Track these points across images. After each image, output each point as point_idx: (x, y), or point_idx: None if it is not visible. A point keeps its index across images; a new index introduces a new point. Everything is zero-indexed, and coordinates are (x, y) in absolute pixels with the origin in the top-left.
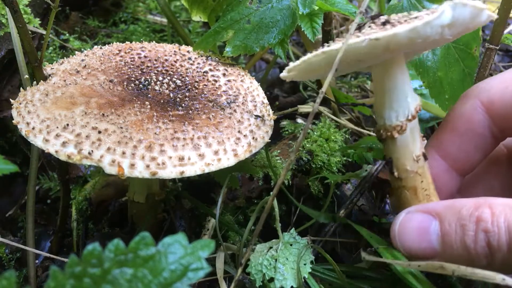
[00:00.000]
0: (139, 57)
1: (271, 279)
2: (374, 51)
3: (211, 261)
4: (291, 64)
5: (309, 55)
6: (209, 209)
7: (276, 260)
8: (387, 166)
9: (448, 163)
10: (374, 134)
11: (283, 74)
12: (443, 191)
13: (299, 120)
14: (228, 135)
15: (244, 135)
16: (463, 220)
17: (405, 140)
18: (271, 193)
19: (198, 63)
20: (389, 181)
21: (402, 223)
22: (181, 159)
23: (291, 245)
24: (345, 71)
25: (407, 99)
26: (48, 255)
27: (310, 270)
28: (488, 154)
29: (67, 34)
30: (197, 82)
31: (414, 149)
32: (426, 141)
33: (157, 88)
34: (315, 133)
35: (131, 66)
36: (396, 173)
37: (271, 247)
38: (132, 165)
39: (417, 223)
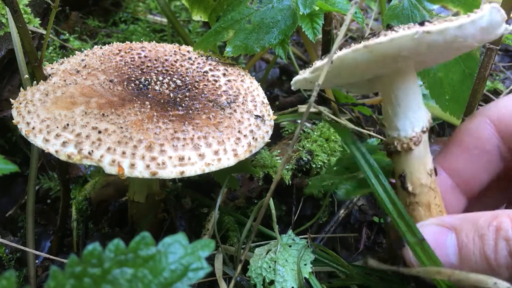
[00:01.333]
0: (139, 57)
1: (271, 282)
2: (417, 47)
3: (210, 260)
4: (318, 63)
5: (345, 50)
6: (212, 201)
7: (275, 262)
8: (399, 180)
9: (454, 180)
10: (374, 134)
11: (299, 77)
12: (448, 212)
13: (299, 120)
14: (228, 135)
15: (244, 135)
16: (481, 230)
17: (420, 153)
18: (267, 194)
19: (198, 63)
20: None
21: None
22: (181, 159)
23: (290, 246)
24: (353, 79)
25: (421, 109)
26: (47, 256)
27: (310, 270)
28: (494, 176)
29: (67, 34)
30: (197, 82)
31: (428, 162)
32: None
33: (157, 88)
34: (315, 133)
35: (131, 66)
36: (410, 188)
37: (269, 250)
38: (132, 165)
39: (432, 236)
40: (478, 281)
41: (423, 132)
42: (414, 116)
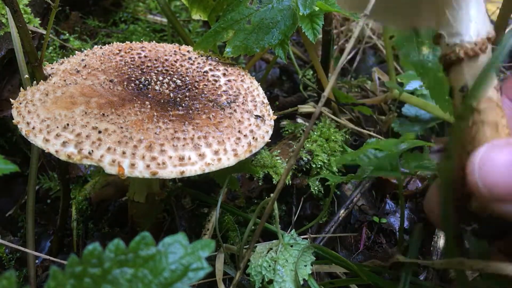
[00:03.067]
0: (139, 57)
1: (270, 281)
2: None
3: (211, 260)
4: None
5: None
6: (212, 200)
7: (275, 262)
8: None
9: None
10: (374, 134)
11: None
12: None
13: (299, 120)
14: (228, 135)
15: (244, 135)
16: None
17: (485, 63)
18: (271, 194)
19: (198, 63)
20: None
21: (484, 157)
22: (181, 159)
23: (291, 246)
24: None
25: (485, 16)
26: (47, 257)
27: (310, 272)
28: None
29: (67, 34)
30: (197, 82)
31: (493, 75)
32: None
33: (157, 88)
34: (315, 133)
35: (131, 66)
36: (475, 104)
37: (271, 249)
38: (132, 165)
39: (505, 156)
40: (498, 269)
41: (488, 39)
42: (478, 19)
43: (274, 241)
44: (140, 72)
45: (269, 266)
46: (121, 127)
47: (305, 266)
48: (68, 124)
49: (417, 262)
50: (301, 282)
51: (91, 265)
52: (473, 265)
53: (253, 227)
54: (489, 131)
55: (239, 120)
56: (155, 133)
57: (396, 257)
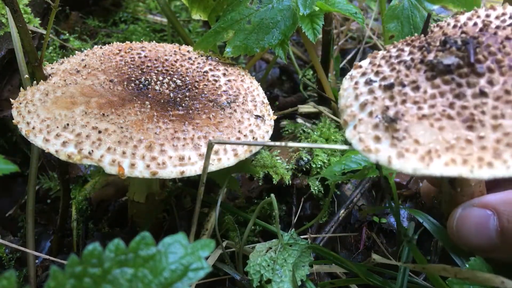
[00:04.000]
0: (139, 57)
1: (269, 281)
2: None
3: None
4: None
5: None
6: (214, 197)
7: (274, 261)
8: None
9: None
10: None
11: None
12: None
13: (299, 120)
14: (229, 135)
15: (244, 135)
16: None
17: None
18: (272, 194)
19: (198, 63)
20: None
21: (460, 218)
22: (182, 159)
23: (290, 246)
24: None
25: None
26: (47, 257)
27: (308, 273)
28: None
29: (67, 34)
30: (197, 82)
31: None
32: None
33: (157, 88)
34: (315, 133)
35: (131, 66)
36: (459, 189)
37: (270, 248)
38: (132, 165)
39: (476, 219)
40: (485, 280)
41: None
42: None
43: (273, 240)
44: (140, 72)
45: (268, 265)
46: (121, 127)
47: (303, 266)
48: (68, 124)
49: (391, 263)
50: (299, 283)
51: (91, 265)
52: (458, 273)
53: (253, 227)
54: (466, 199)
55: (239, 120)
56: (155, 133)
57: (372, 257)
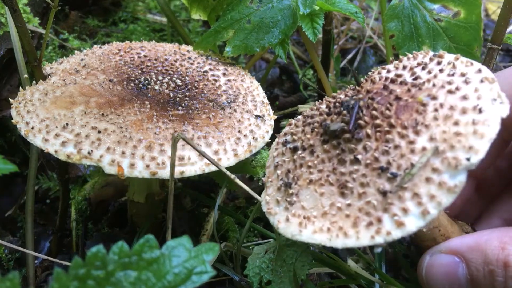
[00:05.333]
0: (139, 57)
1: (269, 282)
2: None
3: None
4: None
5: None
6: (213, 199)
7: (273, 262)
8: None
9: None
10: None
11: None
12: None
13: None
14: (228, 135)
15: (244, 135)
16: (490, 265)
17: None
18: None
19: (198, 63)
20: None
21: (428, 267)
22: (181, 159)
23: (288, 246)
24: None
25: None
26: (46, 257)
27: (308, 272)
28: (496, 157)
29: (67, 34)
30: (197, 81)
31: None
32: None
33: (157, 87)
34: None
35: (131, 66)
36: (413, 235)
37: (268, 249)
38: (131, 165)
39: (444, 268)
40: None
41: None
42: None
43: (271, 241)
44: (139, 71)
45: (267, 267)
46: (121, 127)
47: (303, 266)
48: (67, 124)
49: (366, 276)
50: (299, 283)
51: (94, 267)
52: None
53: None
54: (429, 243)
55: (239, 120)
56: (155, 133)
57: (348, 263)
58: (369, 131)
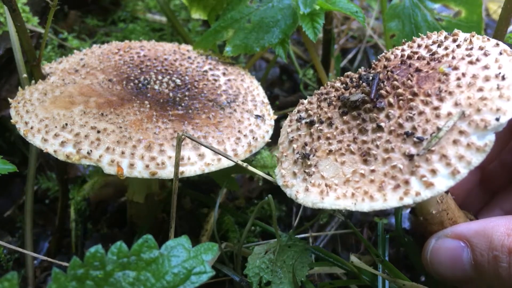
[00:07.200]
0: (138, 56)
1: (268, 283)
2: None
3: None
4: None
5: None
6: (213, 199)
7: (273, 263)
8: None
9: None
10: None
11: None
12: (463, 184)
13: None
14: (228, 135)
15: (244, 135)
16: (495, 251)
17: None
18: (269, 195)
19: (198, 62)
20: None
21: (434, 251)
22: (181, 159)
23: (289, 247)
24: None
25: None
26: (46, 258)
27: (307, 273)
28: (501, 150)
29: (66, 33)
30: (196, 81)
31: None
32: None
33: (156, 87)
34: None
35: (130, 65)
36: (421, 218)
37: (269, 249)
38: (131, 165)
39: (449, 251)
40: None
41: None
42: None
43: (271, 241)
44: (139, 71)
45: (267, 267)
46: (120, 127)
47: (303, 267)
48: (66, 124)
49: (369, 270)
50: (299, 284)
51: (93, 267)
52: None
53: (252, 228)
54: (436, 227)
55: (239, 120)
56: (155, 133)
57: (351, 260)
58: (391, 99)
